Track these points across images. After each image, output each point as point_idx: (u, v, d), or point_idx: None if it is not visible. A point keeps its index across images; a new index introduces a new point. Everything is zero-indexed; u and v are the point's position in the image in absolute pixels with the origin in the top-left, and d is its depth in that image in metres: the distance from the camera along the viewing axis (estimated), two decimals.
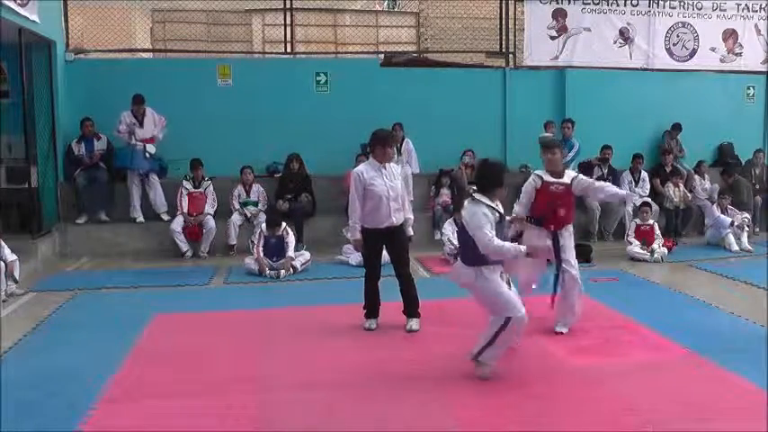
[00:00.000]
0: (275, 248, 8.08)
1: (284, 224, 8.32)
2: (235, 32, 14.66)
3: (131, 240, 9.38)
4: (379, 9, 17.24)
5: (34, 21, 8.58)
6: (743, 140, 11.73)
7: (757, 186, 11.04)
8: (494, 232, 4.39)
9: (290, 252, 8.08)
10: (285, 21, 11.35)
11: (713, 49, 12.05)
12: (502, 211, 4.59)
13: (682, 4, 11.86)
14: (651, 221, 9.17)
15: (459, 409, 4.15)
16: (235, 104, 10.32)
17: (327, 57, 13.54)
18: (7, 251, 6.89)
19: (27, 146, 8.80)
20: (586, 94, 11.06)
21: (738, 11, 12.07)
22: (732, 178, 10.90)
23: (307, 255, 8.43)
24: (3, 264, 6.77)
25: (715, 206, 9.95)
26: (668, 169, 10.80)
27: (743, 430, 3.85)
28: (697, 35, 11.94)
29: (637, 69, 11.67)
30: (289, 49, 11.42)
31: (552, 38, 11.43)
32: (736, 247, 9.37)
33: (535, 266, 5.48)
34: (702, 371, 4.72)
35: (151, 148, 9.49)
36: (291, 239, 8.22)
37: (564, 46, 11.45)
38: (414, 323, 5.68)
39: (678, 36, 11.90)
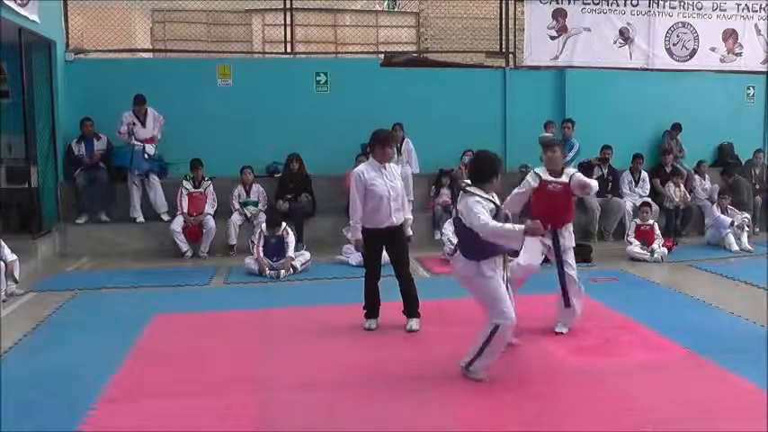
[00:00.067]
0: (275, 248, 8.08)
1: (284, 224, 8.32)
2: (235, 32, 14.66)
3: (131, 240, 9.38)
4: (379, 9, 17.24)
5: (34, 21, 8.58)
6: (743, 140, 11.73)
7: (757, 186, 11.04)
8: (490, 216, 4.32)
9: (290, 252, 8.09)
10: (285, 21, 11.35)
11: (713, 49, 12.05)
12: (498, 202, 4.53)
13: (682, 4, 11.86)
14: (651, 221, 9.18)
15: (459, 409, 4.15)
16: (235, 104, 10.32)
17: (327, 57, 13.54)
18: (7, 251, 6.89)
19: (27, 146, 8.81)
20: (586, 94, 11.06)
21: (738, 11, 12.07)
22: (732, 178, 10.90)
23: (307, 255, 8.43)
24: (3, 264, 6.78)
25: (715, 206, 9.95)
26: (668, 169, 10.80)
27: (743, 430, 3.85)
28: (697, 35, 11.94)
29: (637, 69, 11.67)
30: (289, 49, 11.42)
31: (552, 38, 11.43)
32: (736, 247, 9.37)
33: (534, 253, 5.37)
34: (702, 371, 4.72)
35: (150, 149, 9.50)
36: (291, 239, 8.22)
37: (564, 46, 11.45)
38: (414, 323, 5.69)
39: (678, 36, 11.90)
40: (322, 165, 10.03)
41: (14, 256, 6.96)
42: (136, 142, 9.42)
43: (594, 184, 5.56)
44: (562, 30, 11.44)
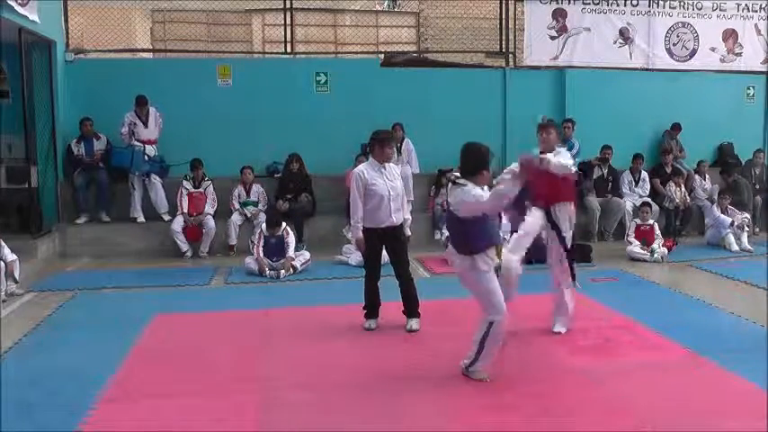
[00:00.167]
0: (275, 248, 8.08)
1: (284, 224, 8.31)
2: (235, 32, 14.64)
3: (131, 240, 9.37)
4: (379, 9, 17.21)
5: (34, 21, 8.58)
6: (743, 140, 11.71)
7: (757, 186, 11.03)
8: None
9: (291, 252, 8.08)
10: (285, 21, 11.34)
11: (713, 49, 12.04)
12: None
13: (682, 4, 11.86)
14: (651, 221, 9.17)
15: (460, 408, 4.15)
16: (235, 104, 10.31)
17: (327, 57, 13.53)
18: (7, 251, 6.89)
19: (27, 146, 8.80)
20: (586, 94, 11.05)
21: (738, 11, 12.07)
22: (732, 178, 10.90)
23: (307, 255, 8.43)
24: (3, 264, 6.78)
25: (715, 206, 9.95)
26: (668, 169, 10.80)
27: (743, 430, 3.85)
28: (697, 35, 11.93)
29: (637, 69, 11.67)
30: (289, 49, 11.41)
31: (552, 38, 11.43)
32: (736, 247, 9.37)
33: (534, 223, 5.31)
34: (702, 371, 4.72)
35: (150, 150, 9.49)
36: (292, 239, 8.21)
37: (564, 46, 11.45)
38: (414, 323, 5.69)
39: (678, 36, 11.89)
40: (322, 165, 10.03)
41: (14, 256, 6.96)
42: (136, 143, 9.42)
43: (555, 162, 5.10)
44: (562, 30, 11.43)
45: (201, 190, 9.33)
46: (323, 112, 10.46)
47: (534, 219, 5.36)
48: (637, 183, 10.61)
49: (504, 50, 11.63)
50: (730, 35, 12.09)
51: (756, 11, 12.12)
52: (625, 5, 11.63)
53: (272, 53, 12.65)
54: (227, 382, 4.56)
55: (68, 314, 6.39)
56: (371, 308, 5.81)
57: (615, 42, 11.63)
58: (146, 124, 9.51)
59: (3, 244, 6.87)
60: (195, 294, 7.23)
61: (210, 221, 9.15)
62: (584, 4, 11.44)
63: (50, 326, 6.01)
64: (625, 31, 11.64)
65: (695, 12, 11.92)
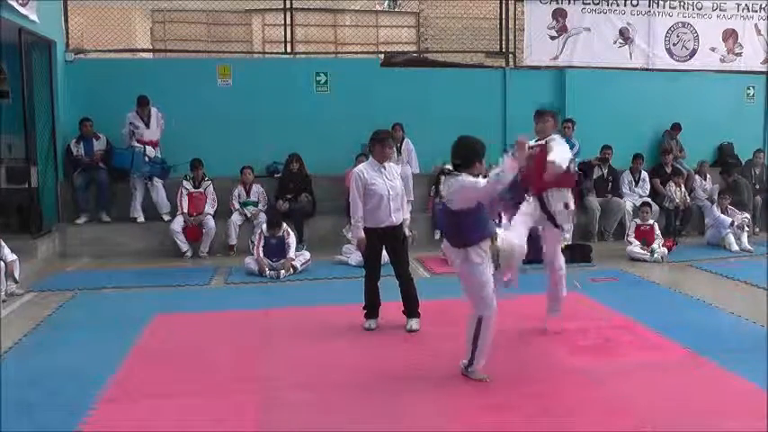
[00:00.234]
0: (275, 249, 8.07)
1: (285, 225, 8.31)
2: (235, 32, 14.64)
3: (131, 240, 9.37)
4: (379, 9, 17.20)
5: (34, 21, 8.58)
6: (743, 140, 11.71)
7: (757, 186, 11.03)
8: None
9: (292, 253, 8.08)
10: (285, 21, 11.34)
11: (713, 49, 12.04)
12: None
13: (682, 4, 11.86)
14: (651, 221, 9.17)
15: (460, 408, 4.15)
16: (235, 104, 10.31)
17: (327, 57, 13.52)
18: (7, 251, 6.89)
19: (27, 146, 8.80)
20: (586, 94, 11.05)
21: (738, 11, 12.07)
22: (732, 178, 10.90)
23: (307, 255, 8.43)
24: (3, 264, 6.78)
25: (715, 206, 9.95)
26: (668, 169, 10.80)
27: (743, 430, 3.85)
28: (697, 35, 11.93)
29: (637, 69, 11.67)
30: (289, 49, 11.41)
31: (552, 38, 11.43)
32: (736, 247, 9.37)
33: (526, 215, 5.24)
34: (702, 371, 4.72)
35: (151, 152, 9.48)
36: (293, 240, 8.21)
37: (564, 46, 11.45)
38: (414, 323, 5.68)
39: (678, 36, 11.90)
40: (322, 165, 10.03)
41: (14, 256, 6.96)
42: (136, 144, 9.42)
43: (552, 157, 4.99)
44: (562, 30, 11.43)
45: (201, 190, 9.33)
46: (323, 112, 10.45)
47: (529, 205, 5.27)
48: (637, 183, 10.61)
49: (504, 50, 11.63)
50: (730, 35, 12.10)
51: (756, 11, 12.13)
52: (625, 5, 11.63)
53: (272, 53, 12.65)
54: (226, 382, 4.56)
55: (68, 314, 6.39)
56: (371, 308, 5.81)
57: (615, 42, 11.63)
58: (147, 125, 9.51)
59: (3, 244, 6.87)
60: (195, 294, 7.22)
61: (210, 221, 9.15)
62: (584, 4, 11.44)
63: (50, 326, 6.01)
64: (625, 31, 11.64)
65: (695, 12, 11.93)
